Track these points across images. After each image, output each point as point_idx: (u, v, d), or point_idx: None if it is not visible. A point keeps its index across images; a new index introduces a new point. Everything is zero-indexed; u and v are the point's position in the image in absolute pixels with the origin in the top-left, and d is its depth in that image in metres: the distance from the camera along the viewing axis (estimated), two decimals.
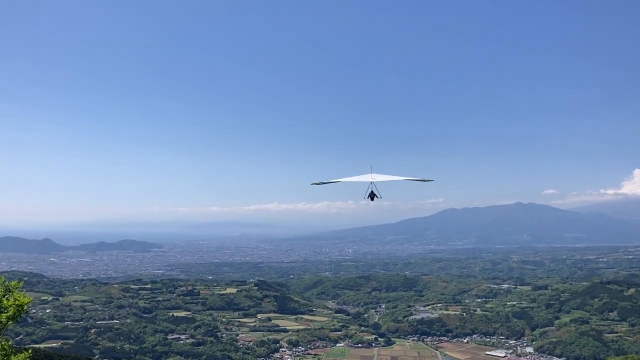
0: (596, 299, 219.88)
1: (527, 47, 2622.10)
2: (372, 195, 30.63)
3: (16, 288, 17.37)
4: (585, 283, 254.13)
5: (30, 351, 19.05)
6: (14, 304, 16.95)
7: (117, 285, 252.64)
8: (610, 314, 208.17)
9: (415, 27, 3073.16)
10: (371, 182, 28.24)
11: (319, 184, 35.33)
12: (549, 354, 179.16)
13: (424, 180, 32.69)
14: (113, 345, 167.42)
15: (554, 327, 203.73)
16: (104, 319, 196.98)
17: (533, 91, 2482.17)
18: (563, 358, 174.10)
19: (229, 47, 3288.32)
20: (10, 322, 17.23)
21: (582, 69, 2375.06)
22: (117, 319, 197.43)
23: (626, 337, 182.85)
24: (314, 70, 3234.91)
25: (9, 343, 18.17)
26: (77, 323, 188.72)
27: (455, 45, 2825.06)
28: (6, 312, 16.97)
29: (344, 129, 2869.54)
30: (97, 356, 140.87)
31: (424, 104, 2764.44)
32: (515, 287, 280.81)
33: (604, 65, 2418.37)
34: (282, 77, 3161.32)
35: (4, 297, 17.21)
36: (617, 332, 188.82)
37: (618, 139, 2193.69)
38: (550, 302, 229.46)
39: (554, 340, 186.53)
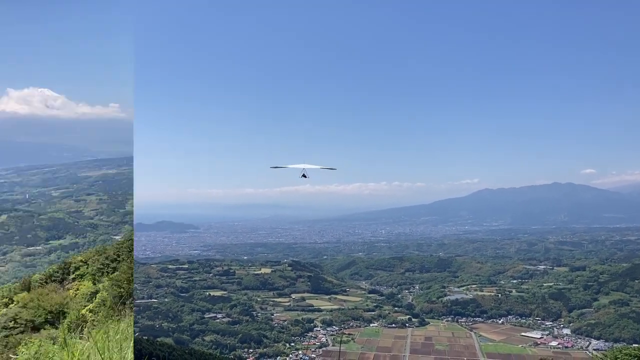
0: (637, 281, 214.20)
1: (561, 21, 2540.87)
2: (304, 175, 46.49)
3: None
4: (625, 264, 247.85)
5: None
6: None
7: (155, 265, 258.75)
8: None
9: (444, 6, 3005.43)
10: (303, 168, 45.63)
11: (276, 167, 51.32)
12: (586, 336, 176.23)
13: (330, 169, 49.73)
14: (152, 323, 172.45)
15: (592, 309, 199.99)
16: (142, 298, 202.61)
17: (571, 66, 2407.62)
18: (601, 340, 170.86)
19: (261, 31, 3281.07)
20: None
21: (623, 40, 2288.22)
22: (155, 298, 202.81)
23: None
24: (343, 49, 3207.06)
25: None
26: None
27: (492, 17, 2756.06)
28: None
29: (372, 110, 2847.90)
30: (137, 334, 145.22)
31: (458, 83, 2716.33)
32: (552, 269, 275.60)
33: None
34: (308, 55, 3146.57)
35: None
36: None
37: None
38: (589, 283, 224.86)
39: (592, 322, 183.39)
